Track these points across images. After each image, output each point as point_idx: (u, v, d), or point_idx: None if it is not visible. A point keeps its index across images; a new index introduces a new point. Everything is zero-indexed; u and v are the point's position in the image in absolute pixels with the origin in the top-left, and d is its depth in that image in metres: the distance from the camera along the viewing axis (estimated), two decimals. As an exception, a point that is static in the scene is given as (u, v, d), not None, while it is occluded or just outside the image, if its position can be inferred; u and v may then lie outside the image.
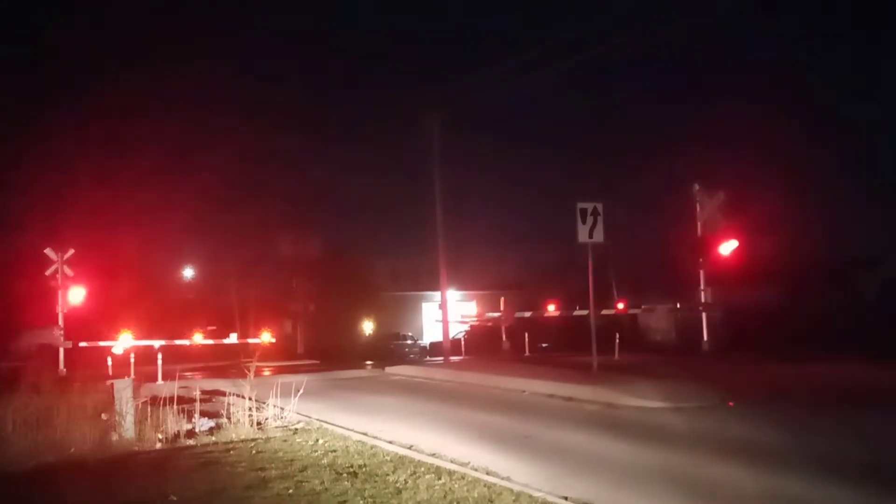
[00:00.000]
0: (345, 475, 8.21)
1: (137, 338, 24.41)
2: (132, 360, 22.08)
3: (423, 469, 8.46)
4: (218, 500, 7.54)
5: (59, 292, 24.61)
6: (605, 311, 28.04)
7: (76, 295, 24.92)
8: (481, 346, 32.49)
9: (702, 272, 23.12)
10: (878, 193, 47.18)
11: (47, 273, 24.56)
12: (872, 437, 10.61)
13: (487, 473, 8.34)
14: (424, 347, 36.94)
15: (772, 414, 12.72)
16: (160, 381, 18.63)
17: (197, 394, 12.12)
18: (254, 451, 9.82)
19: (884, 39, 50.69)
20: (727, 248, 21.80)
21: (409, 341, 37.36)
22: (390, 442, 10.44)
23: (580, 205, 17.26)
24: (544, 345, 32.61)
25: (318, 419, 12.55)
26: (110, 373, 20.92)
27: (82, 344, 24.24)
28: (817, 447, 9.87)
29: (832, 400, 14.39)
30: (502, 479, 8.06)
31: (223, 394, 14.16)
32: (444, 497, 7.32)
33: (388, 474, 8.23)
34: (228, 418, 11.68)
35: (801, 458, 9.07)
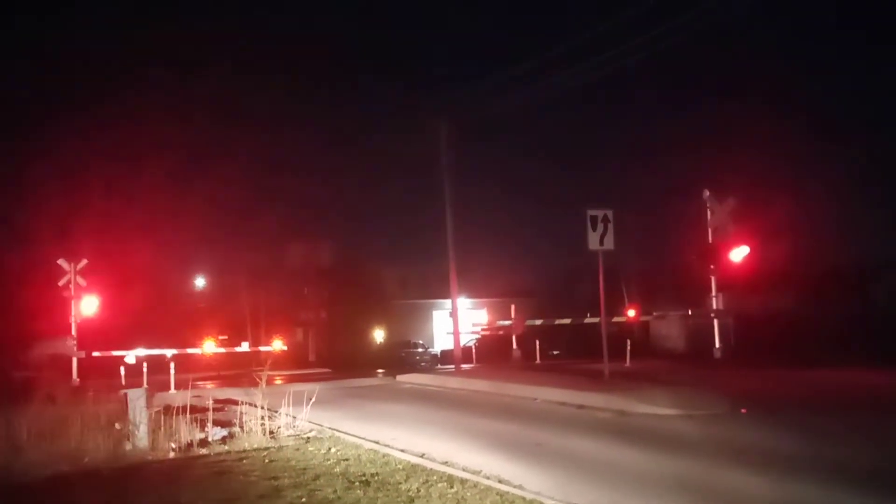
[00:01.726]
0: (357, 484, 8.24)
1: (150, 347, 24.52)
2: (145, 370, 22.18)
3: (435, 477, 8.48)
4: (231, 509, 7.58)
5: (73, 302, 24.72)
6: (616, 319, 27.98)
7: (89, 305, 25.02)
8: (492, 353, 32.41)
9: (713, 279, 23.00)
10: (890, 199, 46.96)
11: (60, 283, 24.67)
12: (886, 443, 10.56)
13: (500, 481, 8.35)
14: (435, 355, 36.89)
15: (784, 421, 12.67)
16: (173, 391, 18.71)
17: (209, 403, 12.16)
18: (266, 460, 9.86)
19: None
20: (738, 254, 21.69)
21: (419, 349, 37.32)
22: (402, 450, 10.46)
23: (590, 212, 17.25)
24: (555, 352, 32.53)
25: (330, 428, 12.57)
26: (123, 382, 21.00)
27: (95, 354, 24.35)
28: (831, 454, 9.82)
29: (845, 406, 14.31)
30: (514, 487, 8.07)
31: (235, 403, 14.22)
32: (457, 505, 7.34)
33: (400, 483, 8.25)
34: (241, 427, 11.72)
35: (814, 466, 9.03)
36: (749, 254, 21.66)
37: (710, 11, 17.95)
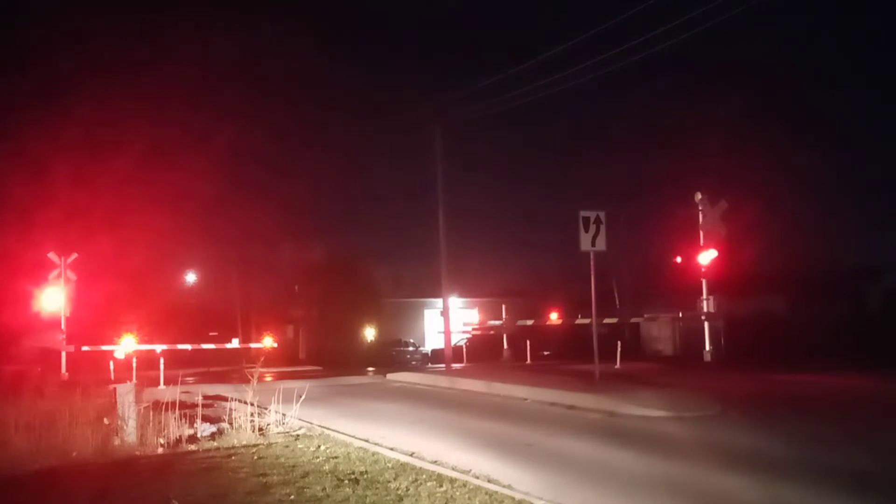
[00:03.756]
0: (346, 482, 8.22)
1: (140, 342, 24.44)
2: (134, 365, 22.12)
3: (424, 476, 8.47)
4: (219, 506, 7.55)
5: (64, 295, 24.60)
6: (607, 320, 28.03)
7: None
8: (483, 353, 32.46)
9: (704, 281, 23.07)
10: (882, 203, 47.17)
11: (50, 277, 24.56)
12: (875, 446, 10.59)
13: (489, 481, 8.34)
14: (426, 354, 36.93)
15: (774, 424, 12.71)
16: (162, 386, 18.66)
17: (199, 399, 12.13)
18: (255, 457, 9.83)
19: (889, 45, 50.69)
20: (728, 257, 21.81)
21: (410, 348, 37.36)
22: (392, 449, 10.44)
23: (583, 213, 17.28)
24: (546, 353, 32.59)
25: (319, 425, 12.55)
26: (112, 377, 20.94)
27: (85, 348, 24.27)
28: (820, 457, 9.86)
29: (835, 410, 14.37)
30: (504, 487, 8.06)
31: (225, 399, 14.18)
32: (446, 504, 7.33)
33: (389, 481, 8.24)
34: (230, 424, 11.68)
35: (804, 468, 9.06)
36: (740, 257, 21.78)
37: (703, 17, 17.96)
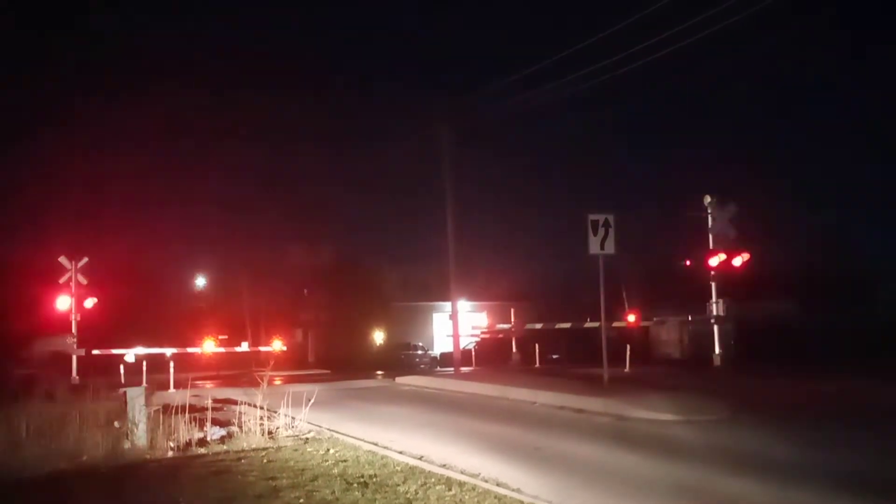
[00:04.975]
0: (355, 485, 8.23)
1: (149, 346, 24.54)
2: (144, 368, 22.20)
3: (433, 480, 8.47)
4: (229, 509, 7.58)
5: (73, 300, 24.74)
6: (616, 324, 27.99)
7: (89, 303, 25.04)
8: (492, 357, 32.45)
9: (713, 284, 23.05)
10: (894, 207, 46.92)
11: (61, 281, 24.71)
12: (885, 452, 10.54)
13: (498, 485, 8.34)
14: (435, 358, 36.90)
15: (783, 428, 12.65)
16: (172, 390, 18.71)
17: (209, 402, 12.17)
18: (265, 460, 9.86)
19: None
20: (738, 260, 21.79)
21: (419, 351, 37.35)
22: (401, 452, 10.44)
23: (591, 216, 17.23)
24: (555, 356, 32.55)
25: (328, 429, 12.57)
26: (123, 381, 21.01)
27: (95, 352, 24.38)
28: (829, 462, 9.81)
29: (844, 415, 14.29)
30: (512, 490, 8.06)
31: (234, 402, 14.21)
32: (455, 508, 7.33)
33: (398, 485, 8.25)
34: (240, 427, 11.71)
35: (812, 473, 9.03)
36: (749, 260, 21.74)
37: (710, 20, 17.90)
